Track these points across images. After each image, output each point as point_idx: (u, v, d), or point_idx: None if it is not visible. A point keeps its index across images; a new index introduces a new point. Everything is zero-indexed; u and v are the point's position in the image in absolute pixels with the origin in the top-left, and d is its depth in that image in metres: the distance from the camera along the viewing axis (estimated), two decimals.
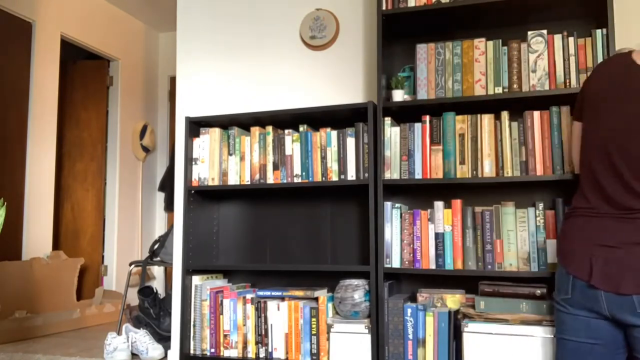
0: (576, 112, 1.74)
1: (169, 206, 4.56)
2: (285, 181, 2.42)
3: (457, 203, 2.16)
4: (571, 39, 2.12)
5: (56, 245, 4.59)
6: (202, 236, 2.62)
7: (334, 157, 2.36)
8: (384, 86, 2.31)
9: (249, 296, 2.42)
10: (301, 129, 2.45)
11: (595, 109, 1.56)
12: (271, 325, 2.36)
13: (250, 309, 2.40)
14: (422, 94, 2.26)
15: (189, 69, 2.99)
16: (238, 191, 2.64)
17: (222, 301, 2.45)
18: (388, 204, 2.23)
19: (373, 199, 2.23)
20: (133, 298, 4.29)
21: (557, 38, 2.14)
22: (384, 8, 2.30)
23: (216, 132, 2.54)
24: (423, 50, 2.29)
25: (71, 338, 3.44)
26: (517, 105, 2.21)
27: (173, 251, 2.90)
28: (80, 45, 4.62)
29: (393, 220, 2.23)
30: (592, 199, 1.53)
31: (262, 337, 2.38)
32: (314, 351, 2.28)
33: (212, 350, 2.45)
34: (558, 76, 2.12)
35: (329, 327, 2.24)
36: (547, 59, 2.14)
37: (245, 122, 2.55)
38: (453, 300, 2.24)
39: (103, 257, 4.81)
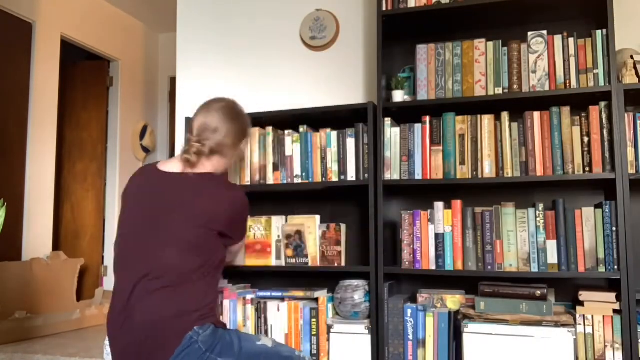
0: None
1: None
2: (285, 182, 2.42)
3: (457, 204, 2.16)
4: (571, 40, 2.12)
5: (56, 246, 4.59)
6: None
7: (334, 158, 2.36)
8: (384, 87, 2.31)
9: (249, 297, 2.41)
10: (301, 129, 2.45)
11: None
12: (271, 325, 2.36)
13: (250, 309, 2.40)
14: (422, 95, 2.26)
15: (189, 70, 2.99)
16: None
17: (222, 302, 2.45)
18: None
19: (373, 199, 2.23)
20: None
21: (557, 39, 2.14)
22: (384, 9, 2.30)
23: None
24: (423, 51, 2.29)
25: (71, 339, 3.44)
26: (517, 105, 2.21)
27: None
28: (80, 45, 4.62)
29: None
30: None
31: None
32: (314, 352, 2.28)
33: None
34: (558, 77, 2.12)
35: (329, 327, 2.24)
36: (547, 59, 2.14)
37: None
38: (453, 300, 2.24)
39: (103, 257, 4.81)
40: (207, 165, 1.83)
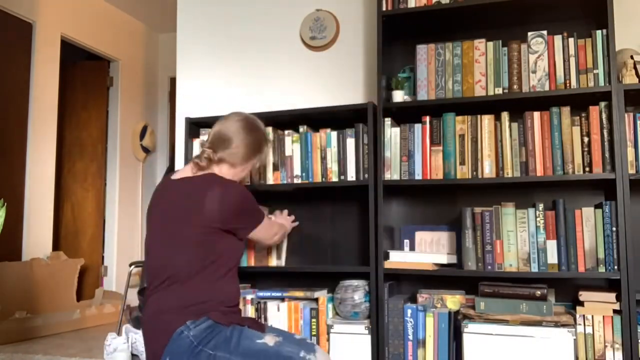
0: None
1: None
2: (285, 182, 2.42)
3: None
4: (571, 40, 2.12)
5: (56, 246, 4.59)
6: None
7: (334, 158, 2.35)
8: (384, 87, 2.31)
9: (249, 297, 2.41)
10: (301, 129, 2.45)
11: None
12: (271, 325, 2.36)
13: (250, 309, 2.40)
14: (422, 95, 2.26)
15: (189, 70, 2.99)
16: None
17: None
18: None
19: (373, 199, 2.23)
20: (133, 299, 4.29)
21: (557, 39, 2.14)
22: (384, 9, 2.30)
23: None
24: (423, 51, 2.29)
25: (71, 339, 3.44)
26: (517, 106, 2.21)
27: None
28: (80, 45, 4.63)
29: None
30: None
31: None
32: None
33: None
34: (558, 77, 2.12)
35: (329, 327, 2.24)
36: (547, 59, 2.14)
37: None
38: (453, 301, 2.24)
39: (103, 257, 4.81)
40: (215, 172, 1.90)
